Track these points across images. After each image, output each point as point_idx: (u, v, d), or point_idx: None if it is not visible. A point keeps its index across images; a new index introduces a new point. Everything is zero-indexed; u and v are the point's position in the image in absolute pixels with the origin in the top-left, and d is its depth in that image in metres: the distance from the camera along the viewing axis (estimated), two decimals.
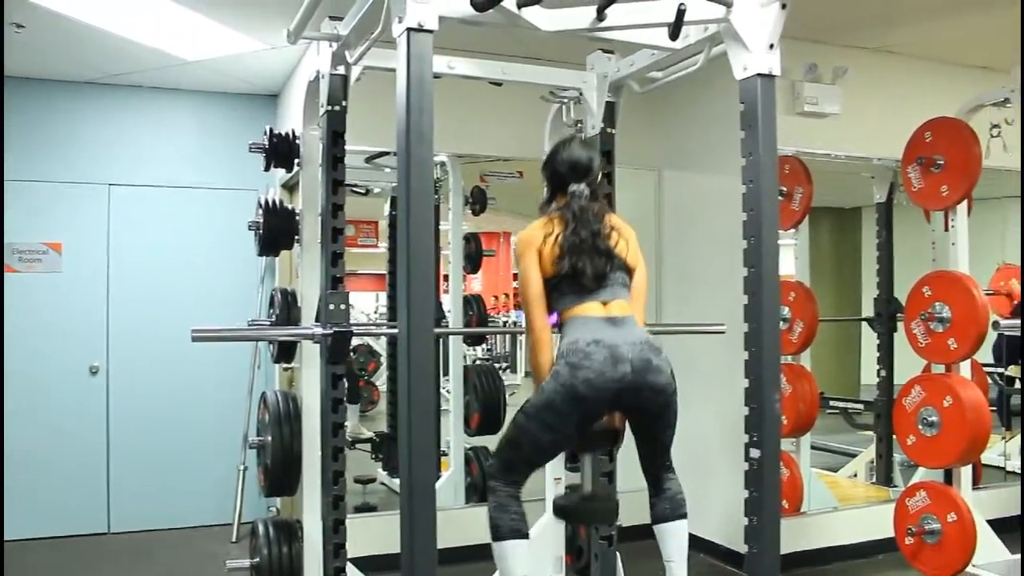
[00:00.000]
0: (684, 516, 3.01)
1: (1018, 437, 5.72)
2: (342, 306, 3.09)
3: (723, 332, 3.66)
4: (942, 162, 4.10)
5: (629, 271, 2.95)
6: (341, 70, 3.14)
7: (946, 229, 4.19)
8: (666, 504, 2.99)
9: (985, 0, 4.34)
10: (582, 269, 2.81)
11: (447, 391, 5.27)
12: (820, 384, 5.94)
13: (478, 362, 7.95)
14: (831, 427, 6.20)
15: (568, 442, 2.88)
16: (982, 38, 4.83)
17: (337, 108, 3.15)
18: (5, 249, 5.24)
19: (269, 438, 3.43)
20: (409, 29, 2.28)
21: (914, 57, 5.10)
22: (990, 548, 4.17)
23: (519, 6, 2.54)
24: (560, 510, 3.12)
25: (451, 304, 5.21)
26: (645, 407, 2.81)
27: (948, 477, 4.17)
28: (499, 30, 2.69)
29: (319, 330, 3.09)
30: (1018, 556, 3.97)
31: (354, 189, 5.59)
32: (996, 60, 5.00)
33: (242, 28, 4.60)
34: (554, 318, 2.91)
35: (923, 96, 4.79)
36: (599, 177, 3.06)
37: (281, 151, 3.75)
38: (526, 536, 2.88)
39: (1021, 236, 3.90)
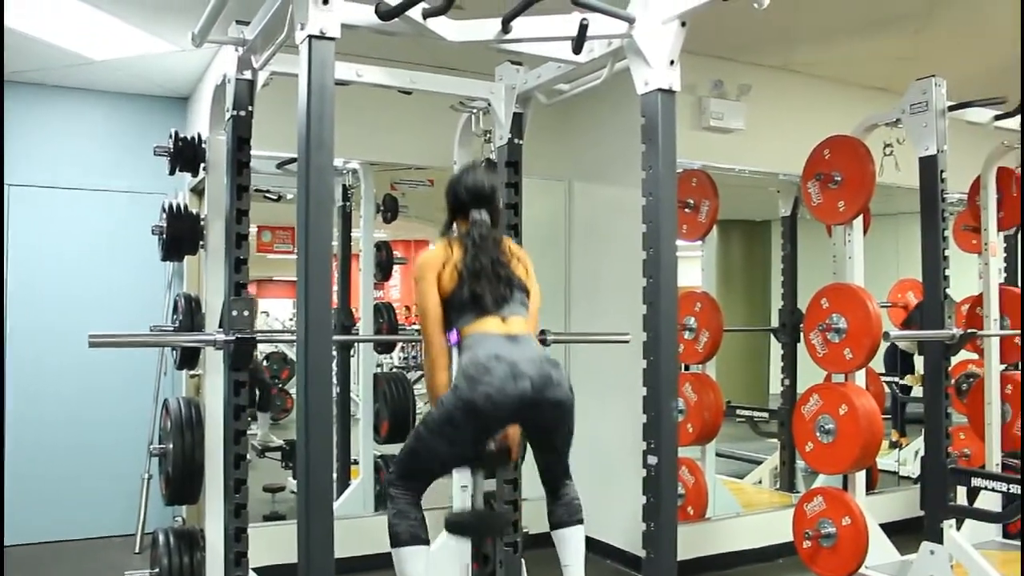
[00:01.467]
0: (581, 521, 3.07)
1: (912, 443, 5.94)
2: (245, 312, 3.06)
3: (627, 342, 3.73)
4: (840, 178, 4.25)
5: (527, 292, 3.02)
6: (247, 75, 3.12)
7: (844, 244, 4.35)
8: (563, 510, 3.05)
9: (881, 24, 4.53)
10: (480, 294, 2.86)
11: (358, 397, 5.25)
12: (730, 393, 6.08)
13: (394, 370, 7.93)
14: (739, 435, 6.34)
15: (466, 456, 2.92)
16: (878, 60, 5.03)
17: (243, 113, 3.12)
18: None
19: (171, 445, 3.38)
20: (311, 36, 2.29)
21: (815, 76, 5.28)
22: (882, 550, 4.33)
23: (425, 16, 2.56)
24: (452, 526, 3.12)
25: (362, 312, 5.19)
26: (545, 421, 2.86)
27: (845, 482, 4.32)
28: (410, 39, 2.71)
29: (221, 336, 3.05)
30: (909, 556, 4.12)
31: (267, 195, 5.53)
32: (891, 81, 5.20)
33: (150, 29, 4.51)
34: (454, 336, 2.94)
35: (823, 114, 4.95)
36: (500, 204, 3.12)
37: (186, 155, 3.70)
38: (426, 542, 2.90)
39: (922, 249, 4.07)
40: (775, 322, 5.74)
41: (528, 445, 3.07)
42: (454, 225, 3.09)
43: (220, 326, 3.19)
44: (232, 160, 3.14)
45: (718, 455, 5.25)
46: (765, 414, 5.93)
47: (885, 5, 4.27)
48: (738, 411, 5.96)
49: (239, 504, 3.12)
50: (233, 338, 3.02)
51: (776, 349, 5.81)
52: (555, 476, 3.05)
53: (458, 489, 3.75)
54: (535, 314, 3.06)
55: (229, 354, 3.06)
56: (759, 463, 6.04)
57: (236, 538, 3.12)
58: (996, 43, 4.82)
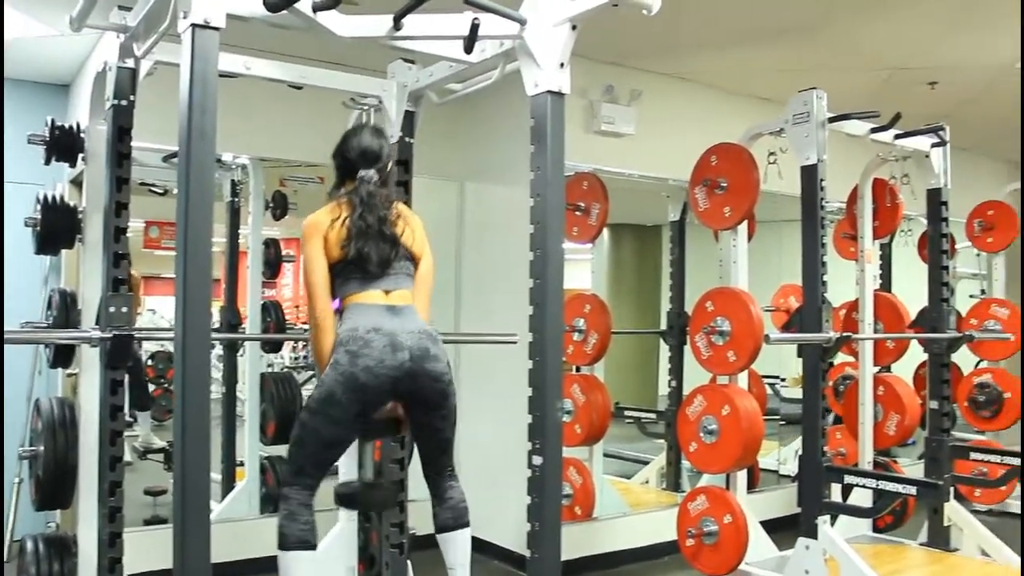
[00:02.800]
0: (467, 525, 3.07)
1: (792, 442, 6.13)
2: (123, 309, 2.96)
3: (515, 343, 3.75)
4: (725, 184, 4.37)
5: (414, 260, 3.00)
6: (130, 63, 3.01)
7: (730, 248, 4.48)
8: (448, 513, 3.04)
9: (767, 37, 4.68)
10: (367, 254, 2.83)
11: (243, 395, 5.14)
12: (621, 395, 6.18)
13: (285, 370, 7.78)
14: (628, 436, 6.44)
15: (352, 434, 2.89)
16: (764, 71, 5.19)
17: (124, 103, 3.02)
18: None
19: (42, 448, 3.21)
20: (194, 25, 2.23)
21: (705, 85, 5.42)
22: (762, 546, 4.47)
23: (315, 9, 2.53)
24: (340, 498, 3.10)
25: (249, 311, 5.08)
26: (423, 394, 2.85)
27: (728, 482, 4.44)
28: (301, 33, 2.67)
29: (97, 334, 2.94)
30: (787, 552, 4.26)
31: (152, 189, 5.36)
32: (776, 92, 5.37)
33: (28, 10, 4.32)
34: (336, 303, 2.91)
35: (712, 122, 5.08)
36: (389, 165, 3.10)
37: (63, 144, 3.54)
38: (313, 547, 2.85)
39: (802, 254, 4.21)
40: (664, 325, 5.86)
41: (412, 433, 3.06)
42: (342, 187, 3.04)
43: (97, 323, 3.07)
44: (112, 151, 3.03)
45: (607, 456, 5.33)
46: (653, 415, 6.04)
47: (771, 19, 4.41)
48: (627, 412, 6.05)
49: (114, 508, 3.01)
50: (110, 335, 2.91)
51: (666, 352, 5.92)
52: (438, 471, 3.04)
53: (346, 458, 3.69)
54: (424, 283, 3.04)
55: (105, 352, 2.95)
56: (647, 463, 6.15)
57: (111, 543, 3.01)
58: (873, 60, 5.04)
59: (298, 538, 2.82)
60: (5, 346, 4.97)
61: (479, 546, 4.78)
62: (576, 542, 4.68)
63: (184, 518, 2.21)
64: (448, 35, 2.78)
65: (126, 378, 3.10)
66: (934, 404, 4.88)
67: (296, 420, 2.88)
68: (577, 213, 4.86)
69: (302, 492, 2.85)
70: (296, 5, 2.44)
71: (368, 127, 3.18)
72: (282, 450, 4.92)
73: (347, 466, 3.64)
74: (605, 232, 5.88)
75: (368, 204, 2.89)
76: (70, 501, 3.29)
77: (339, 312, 2.91)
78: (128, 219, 3.04)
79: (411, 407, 2.94)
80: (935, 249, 4.89)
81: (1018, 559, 4.52)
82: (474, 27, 2.65)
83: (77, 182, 5.03)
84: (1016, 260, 6.75)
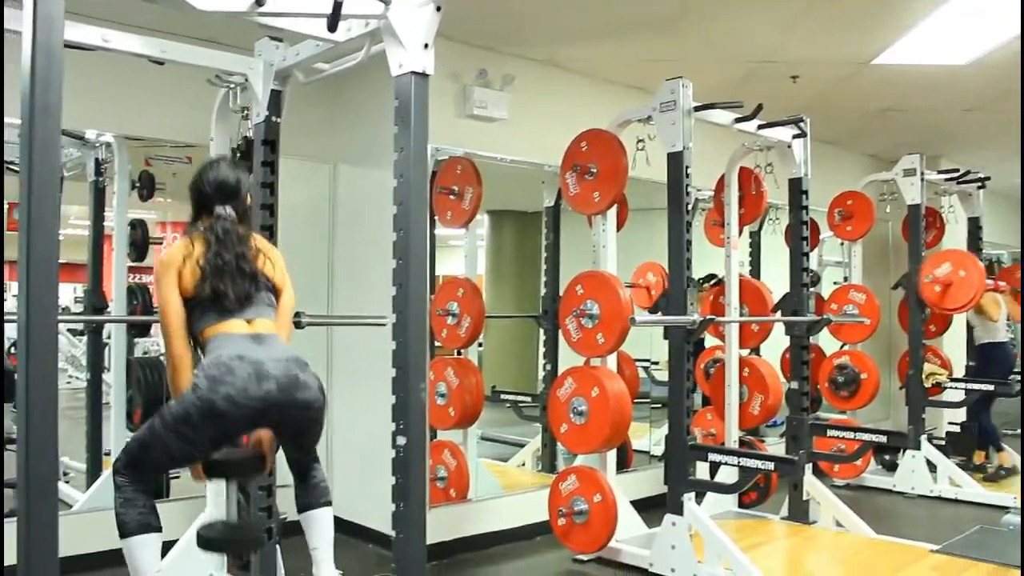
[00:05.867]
0: (329, 503, 3.05)
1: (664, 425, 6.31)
2: None
3: (384, 325, 3.73)
4: (595, 170, 4.45)
5: (276, 292, 2.96)
6: None
7: (600, 233, 4.57)
8: (310, 492, 3.02)
9: (633, 28, 4.77)
10: (224, 292, 2.76)
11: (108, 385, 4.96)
12: (500, 379, 6.21)
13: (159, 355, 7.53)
14: (506, 420, 6.49)
15: (201, 455, 2.77)
16: (634, 60, 5.30)
17: None
18: None
19: None
20: None
21: (577, 72, 5.48)
22: (631, 524, 4.60)
23: None
24: (203, 541, 2.97)
25: (114, 293, 4.89)
26: (293, 423, 2.79)
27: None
28: (162, 6, 2.59)
29: None
30: (655, 529, 4.39)
31: (10, 167, 5.09)
32: (645, 81, 5.51)
33: None
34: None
35: (584, 108, 5.16)
36: (247, 200, 3.03)
37: None
38: (157, 529, 2.75)
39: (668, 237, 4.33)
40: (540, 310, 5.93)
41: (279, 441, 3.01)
42: (199, 222, 2.96)
43: None
44: None
45: (484, 439, 5.36)
46: (529, 398, 6.11)
47: (638, 10, 4.49)
48: (503, 396, 6.10)
49: None
50: None
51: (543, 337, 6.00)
52: (304, 464, 3.02)
53: (212, 495, 3.62)
54: (285, 316, 2.98)
55: None
56: (522, 446, 6.22)
57: None
58: (736, 53, 5.21)
59: (139, 523, 2.71)
60: None
61: (355, 530, 4.77)
62: (450, 524, 4.71)
63: (29, 512, 2.11)
64: (311, 12, 2.74)
65: None
66: (794, 384, 5.10)
67: (148, 423, 2.73)
68: (451, 197, 4.86)
69: (139, 483, 2.75)
70: None
71: (224, 160, 3.12)
72: None
73: (212, 505, 3.58)
74: (486, 219, 5.88)
75: (224, 242, 2.82)
76: None
77: (199, 347, 2.82)
78: None
79: (279, 431, 2.89)
80: (796, 236, 5.10)
81: (869, 529, 4.78)
82: (337, 5, 2.62)
83: None
84: (871, 248, 7.12)
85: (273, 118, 3.48)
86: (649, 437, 6.17)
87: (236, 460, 2.92)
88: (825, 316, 5.57)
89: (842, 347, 6.63)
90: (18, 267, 2.15)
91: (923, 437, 6.33)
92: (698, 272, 5.36)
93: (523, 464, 6.11)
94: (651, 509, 4.80)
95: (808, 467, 5.06)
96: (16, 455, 2.19)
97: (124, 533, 2.71)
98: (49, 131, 2.14)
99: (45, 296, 2.14)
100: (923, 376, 6.42)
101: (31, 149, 2.12)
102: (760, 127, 4.79)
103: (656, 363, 6.74)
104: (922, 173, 6.39)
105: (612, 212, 4.57)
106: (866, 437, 5.25)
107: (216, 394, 2.57)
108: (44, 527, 2.14)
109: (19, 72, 2.11)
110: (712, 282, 6.45)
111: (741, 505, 5.36)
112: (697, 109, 4.33)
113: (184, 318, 2.79)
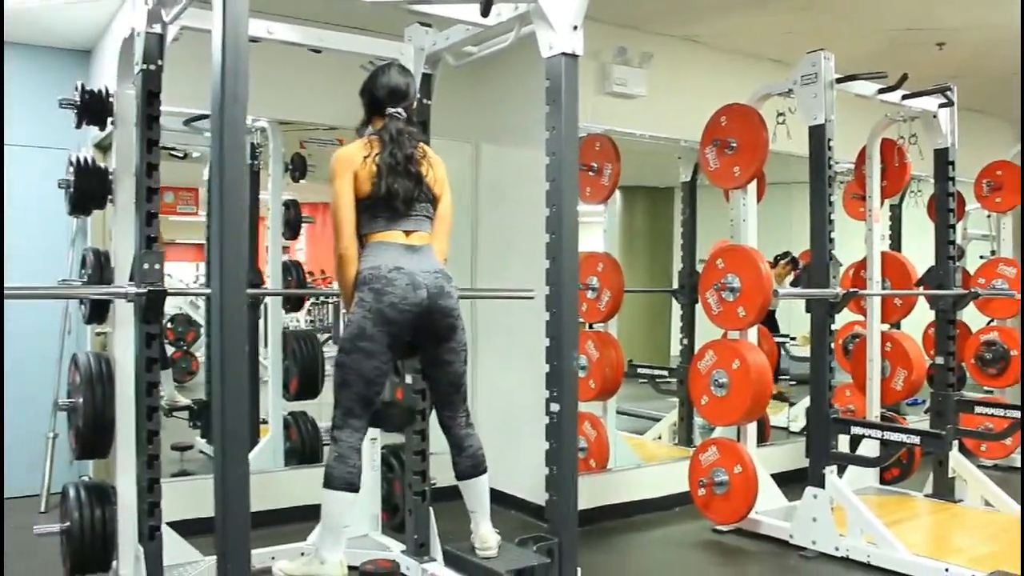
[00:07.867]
0: (484, 472, 3.26)
1: (802, 400, 6.26)
2: (156, 266, 3.08)
3: (532, 298, 3.87)
4: (735, 144, 4.46)
5: (434, 201, 3.17)
6: (157, 28, 3.10)
7: (740, 207, 4.58)
8: (467, 462, 3.24)
9: (773, 0, 4.73)
10: (396, 191, 3.00)
11: (266, 360, 5.27)
12: (633, 353, 6.28)
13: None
14: (641, 395, 6.56)
15: (387, 365, 3.04)
16: (772, 34, 5.24)
17: (152, 67, 3.11)
18: None
19: (81, 400, 3.36)
20: None
21: (714, 48, 5.47)
22: (771, 496, 4.61)
23: None
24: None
25: (270, 270, 5.19)
26: (436, 328, 3.08)
27: (739, 434, 4.57)
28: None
29: (133, 289, 3.07)
30: (796, 502, 4.40)
31: (172, 152, 5.45)
32: (785, 54, 5.42)
33: None
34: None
35: (722, 83, 5.14)
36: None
37: (93, 108, 3.65)
38: (356, 490, 3.03)
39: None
40: (676, 284, 5.97)
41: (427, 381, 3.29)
42: (370, 125, 3.21)
43: (131, 279, 3.20)
44: (142, 114, 3.13)
45: (620, 413, 5.45)
46: (665, 372, 6.16)
47: None
48: (640, 370, 6.17)
49: (152, 455, 3.14)
50: (145, 290, 3.03)
51: (678, 310, 6.04)
52: (453, 413, 3.22)
53: (368, 441, 3.84)
54: (443, 222, 3.22)
55: (141, 307, 3.08)
56: (660, 420, 6.28)
57: (149, 488, 3.15)
58: (879, 22, 5.09)
59: (344, 480, 2.99)
60: (40, 303, 5.15)
61: (497, 497, 4.93)
62: (591, 493, 4.82)
63: (224, 464, 2.33)
64: None
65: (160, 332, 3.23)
66: (940, 360, 4.98)
67: (335, 366, 3.06)
68: (590, 174, 4.96)
69: (353, 435, 3.03)
70: None
71: (395, 65, 3.29)
72: (304, 406, 5.11)
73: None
74: (618, 195, 5.97)
75: (397, 141, 3.05)
76: (108, 451, 3.43)
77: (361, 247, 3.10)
78: (159, 180, 3.15)
79: (425, 343, 3.13)
80: (942, 208, 4.97)
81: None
82: None
83: (100, 146, 5.15)
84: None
85: (424, 101, 3.65)
86: (788, 414, 6.13)
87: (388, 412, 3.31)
88: (972, 290, 5.40)
89: (990, 323, 6.41)
90: (210, 242, 2.37)
91: None
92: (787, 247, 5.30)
93: (659, 437, 6.18)
94: (790, 483, 4.79)
95: (955, 445, 4.95)
96: (212, 418, 2.41)
97: (329, 484, 2.99)
98: (237, 116, 2.34)
99: (236, 270, 2.35)
100: None
101: (222, 135, 2.32)
102: (904, 97, 4.69)
103: (793, 339, 6.69)
104: None
105: (752, 187, 4.57)
106: (1017, 415, 5.08)
107: (382, 303, 2.94)
108: (238, 478, 2.36)
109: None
110: (785, 260, 6.37)
111: (882, 481, 5.28)
112: (839, 81, 4.28)
113: (354, 215, 3.06)
